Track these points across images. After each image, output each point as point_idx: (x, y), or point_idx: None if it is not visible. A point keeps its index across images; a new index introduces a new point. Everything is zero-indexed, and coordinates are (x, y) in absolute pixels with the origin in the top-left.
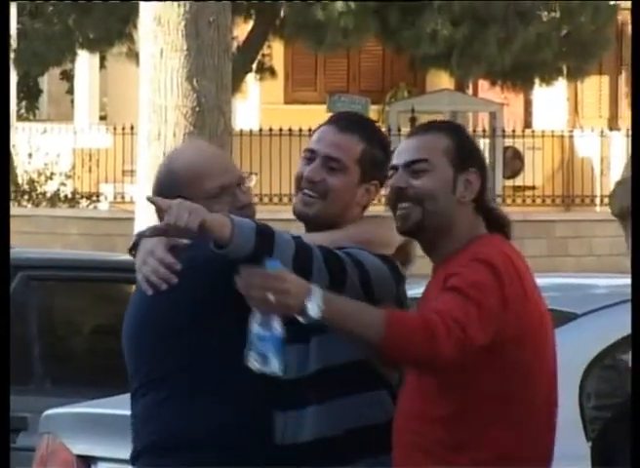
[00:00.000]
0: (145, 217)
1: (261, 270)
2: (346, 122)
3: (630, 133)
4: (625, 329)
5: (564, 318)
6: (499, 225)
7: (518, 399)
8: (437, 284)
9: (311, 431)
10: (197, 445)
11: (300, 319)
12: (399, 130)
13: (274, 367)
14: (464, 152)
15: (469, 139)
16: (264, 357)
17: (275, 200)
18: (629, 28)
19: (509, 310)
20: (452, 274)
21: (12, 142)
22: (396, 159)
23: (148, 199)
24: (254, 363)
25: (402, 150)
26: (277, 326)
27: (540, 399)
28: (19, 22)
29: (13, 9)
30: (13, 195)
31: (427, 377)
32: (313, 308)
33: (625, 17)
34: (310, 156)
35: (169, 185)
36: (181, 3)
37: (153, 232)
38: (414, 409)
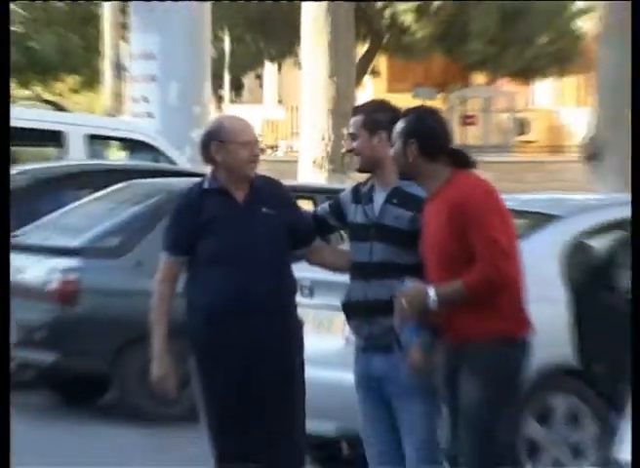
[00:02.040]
0: (306, 157)
1: (402, 299)
2: (354, 109)
3: (631, 133)
4: (586, 226)
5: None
6: (465, 162)
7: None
8: (439, 211)
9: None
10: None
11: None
12: None
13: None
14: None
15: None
16: (407, 336)
17: None
18: None
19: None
20: (465, 213)
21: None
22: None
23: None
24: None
25: None
26: (410, 329)
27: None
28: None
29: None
30: None
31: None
32: (433, 301)
33: None
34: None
35: None
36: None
37: None
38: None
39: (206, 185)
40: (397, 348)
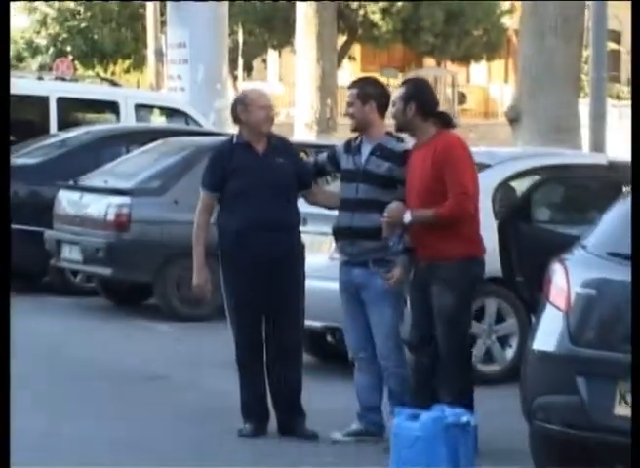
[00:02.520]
0: (299, 121)
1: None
2: (351, 83)
3: (631, 131)
4: (510, 172)
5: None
6: (448, 122)
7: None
8: (425, 157)
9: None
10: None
11: (404, 223)
12: None
13: (396, 246)
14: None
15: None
16: (395, 243)
17: None
18: None
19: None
20: (445, 161)
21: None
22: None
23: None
24: (392, 244)
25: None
26: (396, 236)
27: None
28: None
29: None
30: None
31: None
32: (407, 219)
33: None
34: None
35: None
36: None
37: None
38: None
39: (235, 141)
40: (372, 264)
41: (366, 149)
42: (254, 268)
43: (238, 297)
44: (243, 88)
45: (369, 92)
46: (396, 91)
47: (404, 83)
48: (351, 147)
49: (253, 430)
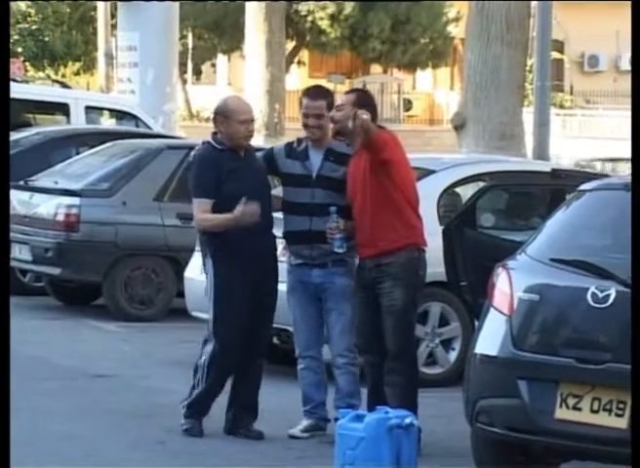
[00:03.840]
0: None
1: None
2: (317, 95)
3: (631, 132)
4: (455, 178)
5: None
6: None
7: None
8: (364, 158)
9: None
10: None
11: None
12: None
13: (339, 248)
14: (362, 102)
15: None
16: (338, 245)
17: None
18: None
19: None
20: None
21: None
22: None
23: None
24: (335, 247)
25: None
26: (339, 240)
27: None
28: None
29: None
30: None
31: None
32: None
33: None
34: (305, 114)
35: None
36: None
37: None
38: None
39: (218, 147)
40: (331, 265)
41: (316, 155)
42: (252, 271)
43: (234, 301)
44: (231, 95)
45: (331, 102)
46: (345, 97)
47: (356, 91)
48: (295, 152)
49: (199, 426)
